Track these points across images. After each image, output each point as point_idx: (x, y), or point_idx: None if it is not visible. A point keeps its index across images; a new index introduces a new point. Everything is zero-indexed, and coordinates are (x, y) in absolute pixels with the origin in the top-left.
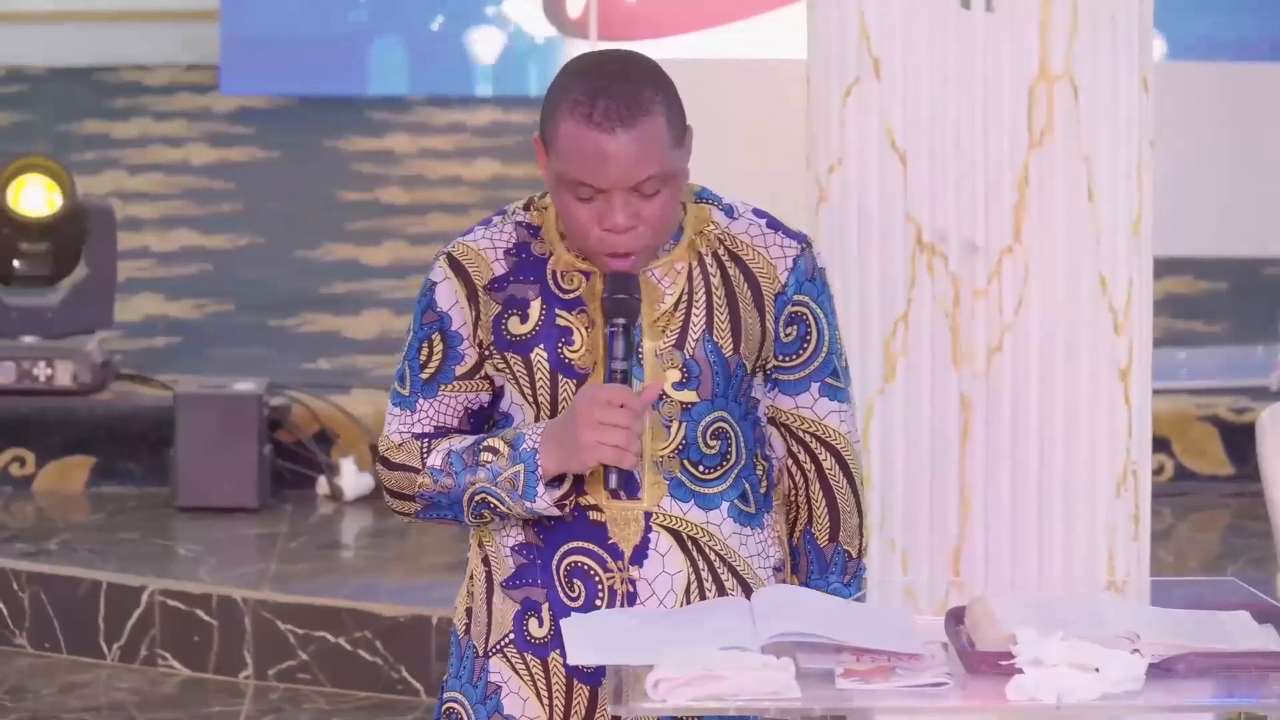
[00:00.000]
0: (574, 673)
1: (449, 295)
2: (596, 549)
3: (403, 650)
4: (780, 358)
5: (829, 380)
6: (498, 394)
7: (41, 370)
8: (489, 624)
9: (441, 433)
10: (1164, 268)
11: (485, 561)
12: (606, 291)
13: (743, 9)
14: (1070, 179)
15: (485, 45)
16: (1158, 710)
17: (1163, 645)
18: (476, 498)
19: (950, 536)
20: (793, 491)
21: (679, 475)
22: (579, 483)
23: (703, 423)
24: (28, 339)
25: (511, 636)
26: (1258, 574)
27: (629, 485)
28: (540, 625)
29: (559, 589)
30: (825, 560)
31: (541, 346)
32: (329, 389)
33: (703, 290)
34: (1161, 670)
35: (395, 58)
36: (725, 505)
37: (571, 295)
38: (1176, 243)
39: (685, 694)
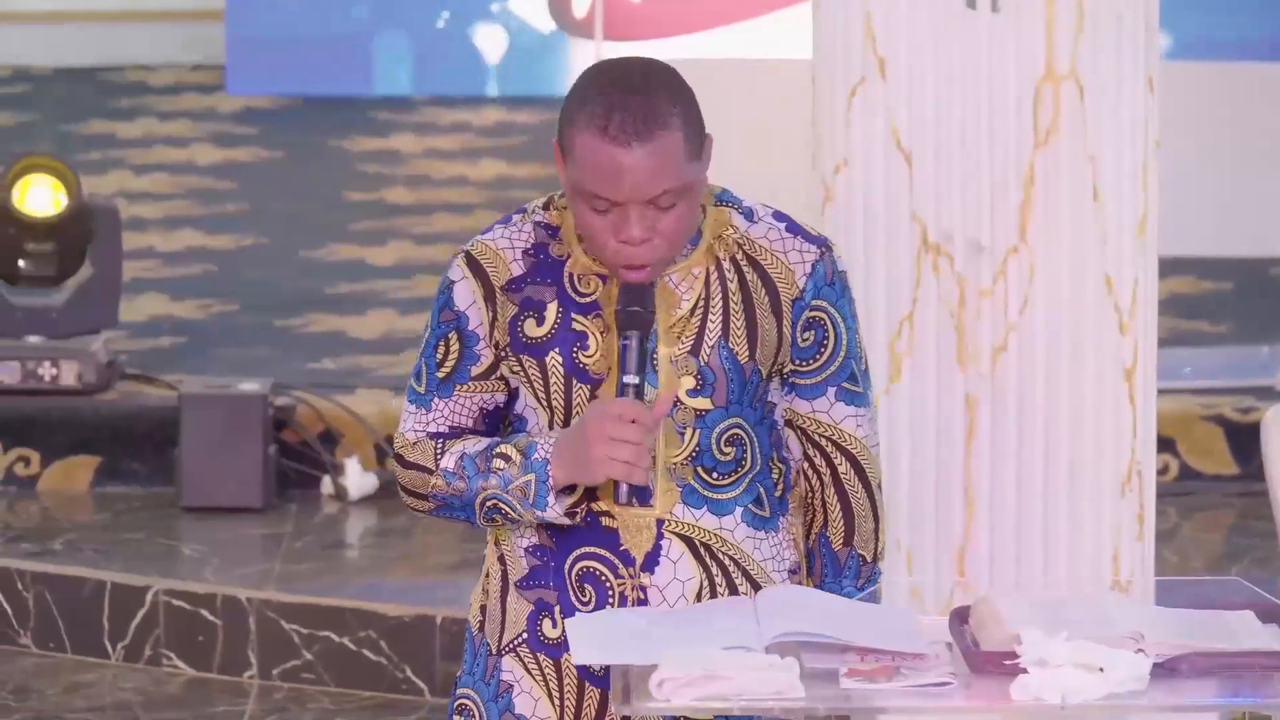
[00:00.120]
0: (585, 675)
1: (466, 295)
2: (608, 555)
3: (407, 650)
4: (797, 362)
5: (846, 385)
6: (513, 395)
7: (46, 370)
8: (503, 623)
9: (456, 433)
10: (1169, 268)
11: (501, 560)
12: (620, 303)
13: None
14: (1076, 179)
15: (490, 45)
16: (1162, 710)
17: (1167, 645)
18: (488, 503)
19: (955, 536)
20: (809, 494)
21: (692, 482)
22: (590, 492)
23: (717, 429)
24: (33, 339)
25: (525, 636)
26: (1262, 574)
27: (641, 493)
28: (554, 626)
29: (571, 593)
30: (839, 564)
31: (557, 350)
32: (334, 389)
33: (719, 296)
34: (1166, 670)
35: (400, 57)
36: (739, 510)
37: (588, 299)
38: (1181, 243)
39: (689, 694)
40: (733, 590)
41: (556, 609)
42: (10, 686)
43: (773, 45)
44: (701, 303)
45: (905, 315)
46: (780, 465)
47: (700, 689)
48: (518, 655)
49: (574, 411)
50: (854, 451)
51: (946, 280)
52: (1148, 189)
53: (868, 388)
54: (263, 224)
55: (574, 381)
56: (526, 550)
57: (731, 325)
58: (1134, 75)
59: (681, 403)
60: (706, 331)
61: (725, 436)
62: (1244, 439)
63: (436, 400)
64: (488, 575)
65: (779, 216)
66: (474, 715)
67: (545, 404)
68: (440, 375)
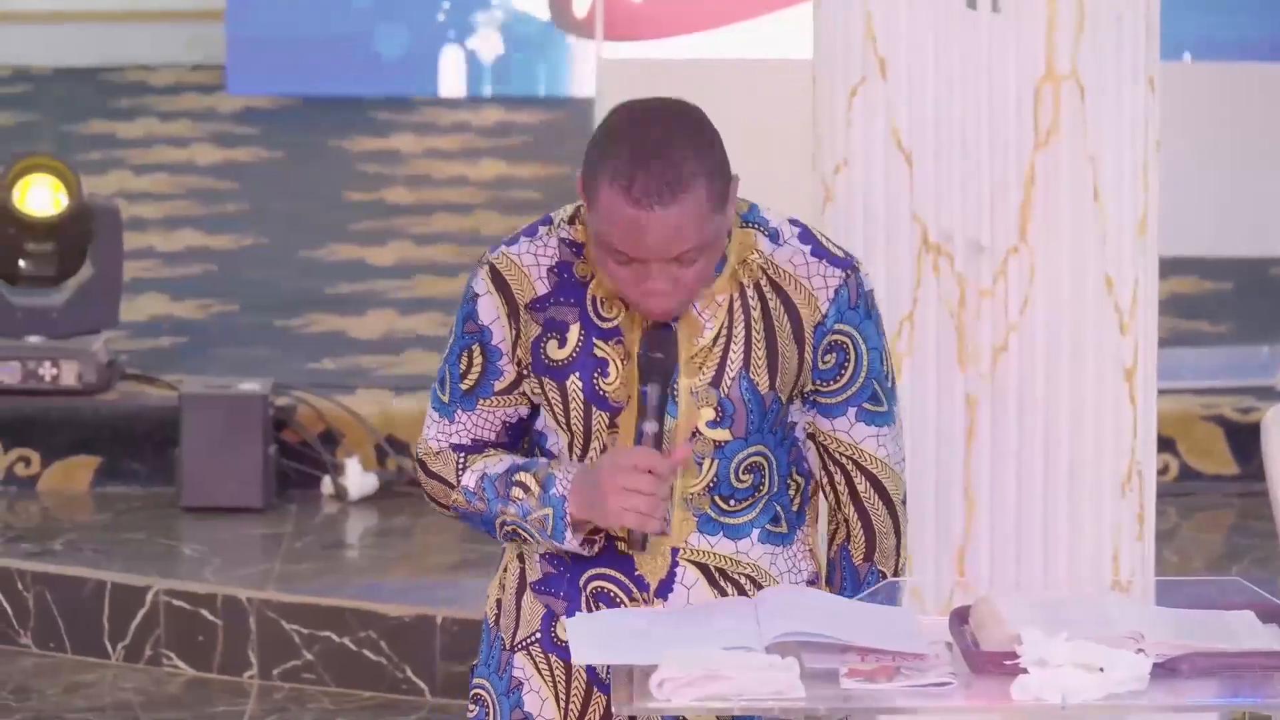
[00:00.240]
0: (595, 680)
1: (490, 310)
2: (622, 578)
3: (407, 650)
4: (818, 382)
5: (867, 405)
6: (535, 408)
7: (47, 370)
8: (517, 619)
9: (478, 446)
10: (1169, 268)
11: (520, 559)
12: (642, 347)
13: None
14: (1076, 179)
15: (491, 45)
16: (1162, 710)
17: (1167, 645)
18: (507, 527)
19: (955, 536)
20: (831, 508)
21: (708, 511)
22: None
23: (736, 459)
24: (33, 339)
25: (538, 636)
26: (1262, 574)
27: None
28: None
29: (583, 608)
30: (859, 579)
31: (577, 375)
32: (334, 389)
33: (742, 324)
34: (1166, 670)
35: (400, 57)
36: (756, 532)
37: (610, 324)
38: (1181, 243)
39: (689, 694)
40: None
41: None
42: (10, 686)
43: (773, 45)
44: (724, 332)
45: (905, 315)
46: (799, 479)
47: (701, 689)
48: (529, 654)
49: (593, 436)
50: (874, 471)
51: (947, 280)
52: (1148, 189)
53: (892, 405)
54: (263, 224)
55: (593, 408)
56: (545, 557)
57: (753, 354)
58: (1134, 75)
59: (700, 433)
60: (728, 362)
61: (744, 465)
62: (1244, 439)
63: (460, 413)
64: (505, 570)
65: (804, 238)
66: (488, 706)
67: (565, 426)
68: (464, 387)
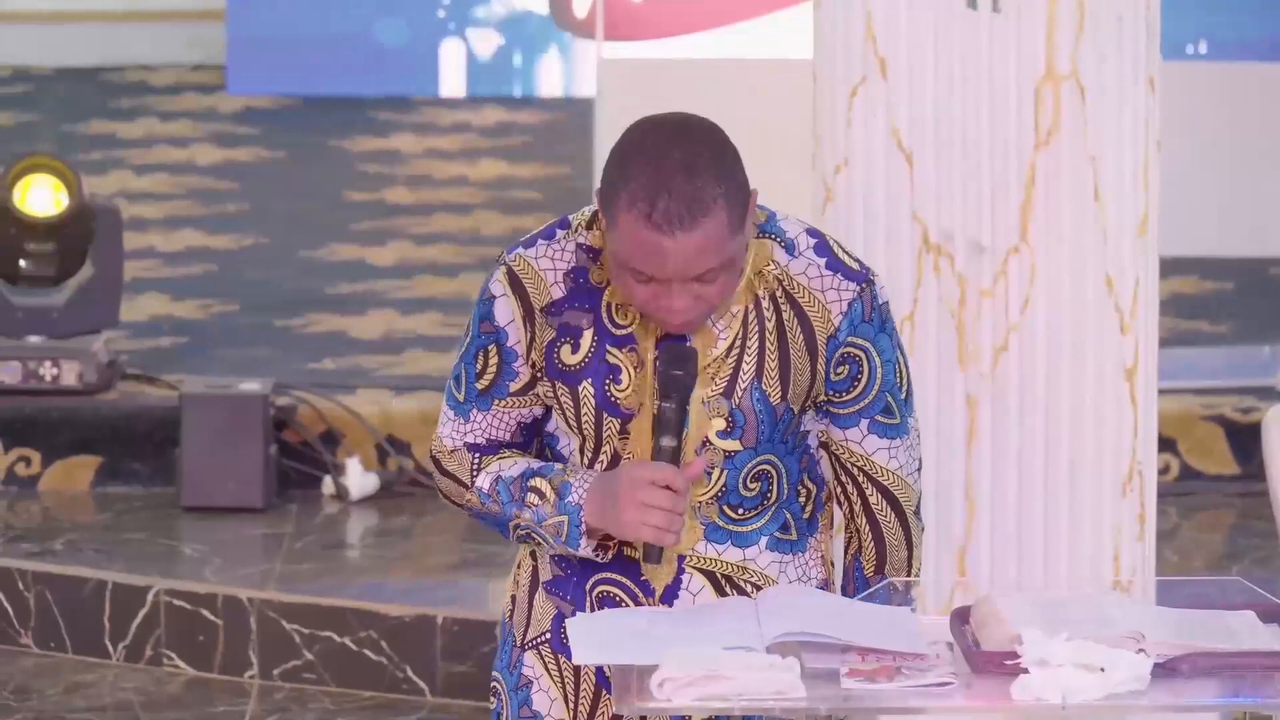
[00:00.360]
0: (604, 682)
1: (506, 312)
2: (628, 583)
3: (408, 650)
4: (830, 393)
5: (879, 417)
6: (549, 409)
7: (47, 370)
8: (528, 618)
9: (493, 446)
10: (1169, 268)
11: (533, 556)
12: (661, 364)
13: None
14: (1076, 179)
15: (491, 45)
16: (1163, 710)
17: (1168, 645)
18: (520, 530)
19: (956, 536)
20: (845, 517)
21: (715, 520)
22: None
23: (745, 469)
24: (34, 339)
25: (548, 635)
26: (1263, 573)
27: None
28: None
29: (589, 611)
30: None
31: (589, 381)
32: (334, 389)
33: (756, 336)
34: (1167, 670)
35: (401, 57)
36: (764, 540)
37: (624, 331)
38: (1182, 243)
39: (690, 694)
40: None
41: None
42: (11, 686)
43: (773, 45)
44: (738, 343)
45: (906, 315)
46: (811, 486)
47: (701, 689)
48: (539, 653)
49: (604, 442)
50: (885, 483)
51: (947, 280)
52: (1148, 189)
53: (907, 416)
54: (263, 224)
55: (604, 414)
56: (554, 558)
57: (766, 366)
58: (1135, 75)
59: (711, 443)
60: (740, 373)
61: (752, 474)
62: (1245, 439)
63: (475, 412)
64: (519, 567)
65: (820, 250)
66: (501, 699)
67: (576, 430)
68: (479, 387)
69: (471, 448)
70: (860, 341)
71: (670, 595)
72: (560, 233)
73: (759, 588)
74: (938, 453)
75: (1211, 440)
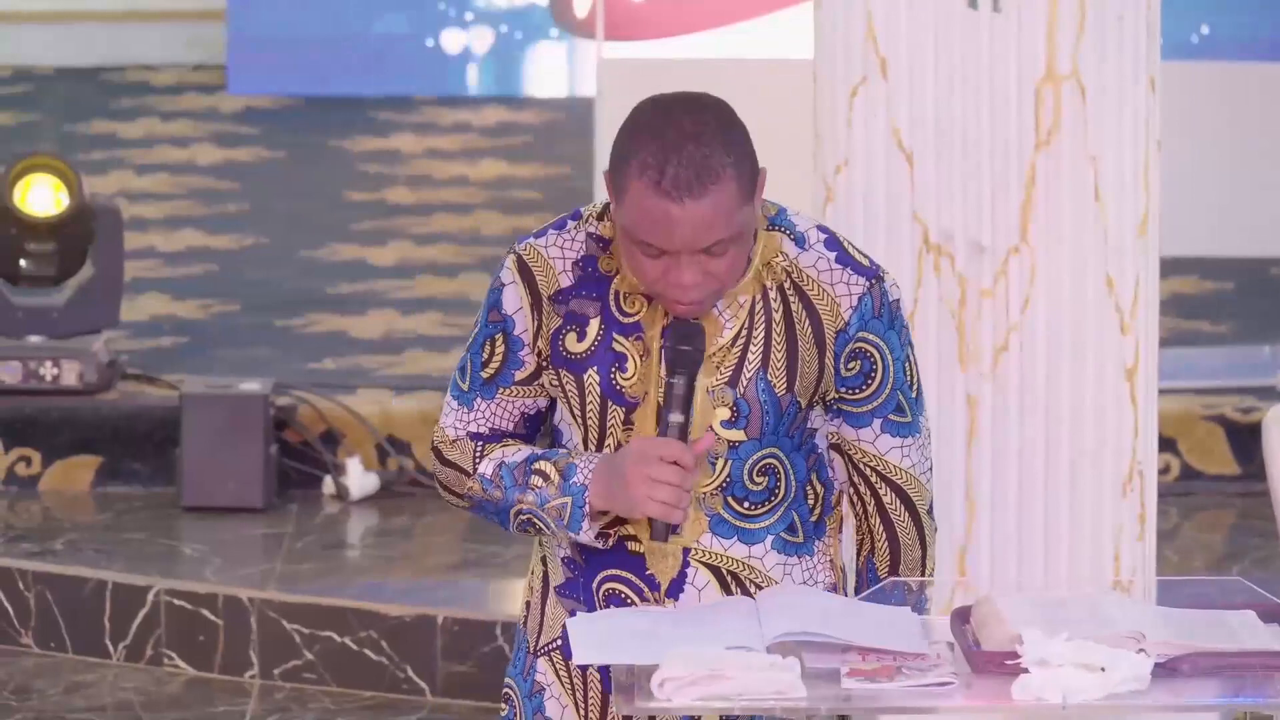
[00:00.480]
0: (610, 688)
1: (514, 300)
2: (633, 578)
3: (408, 650)
4: (842, 390)
5: (892, 416)
6: (554, 402)
7: (48, 370)
8: (541, 624)
9: (496, 435)
10: (1170, 268)
11: (543, 562)
12: (670, 340)
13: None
14: (1077, 179)
15: (492, 45)
16: (1163, 710)
17: (1168, 645)
18: (522, 516)
19: (956, 536)
20: (858, 518)
21: (720, 512)
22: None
23: (749, 460)
24: (34, 339)
25: (559, 642)
26: (1263, 573)
27: (676, 527)
28: None
29: (598, 610)
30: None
31: (595, 369)
32: (335, 389)
33: (763, 326)
34: (1167, 670)
35: (401, 57)
36: (770, 539)
37: (631, 319)
38: (1182, 243)
39: (691, 693)
40: None
41: None
42: (11, 686)
43: (773, 45)
44: (744, 332)
45: (907, 315)
46: (819, 488)
47: (702, 689)
48: (551, 659)
49: (607, 432)
50: (899, 482)
51: (947, 280)
52: (1149, 189)
53: (918, 414)
54: (264, 224)
55: (609, 403)
56: (564, 560)
57: (772, 357)
58: (1135, 75)
59: (715, 433)
60: (746, 363)
61: (758, 466)
62: (1245, 439)
63: (479, 400)
64: (533, 573)
65: (830, 244)
66: (515, 706)
67: (580, 421)
68: (485, 375)
69: (474, 436)
70: (871, 337)
71: (676, 590)
72: (571, 224)
73: (762, 589)
74: (938, 453)
75: (1212, 440)
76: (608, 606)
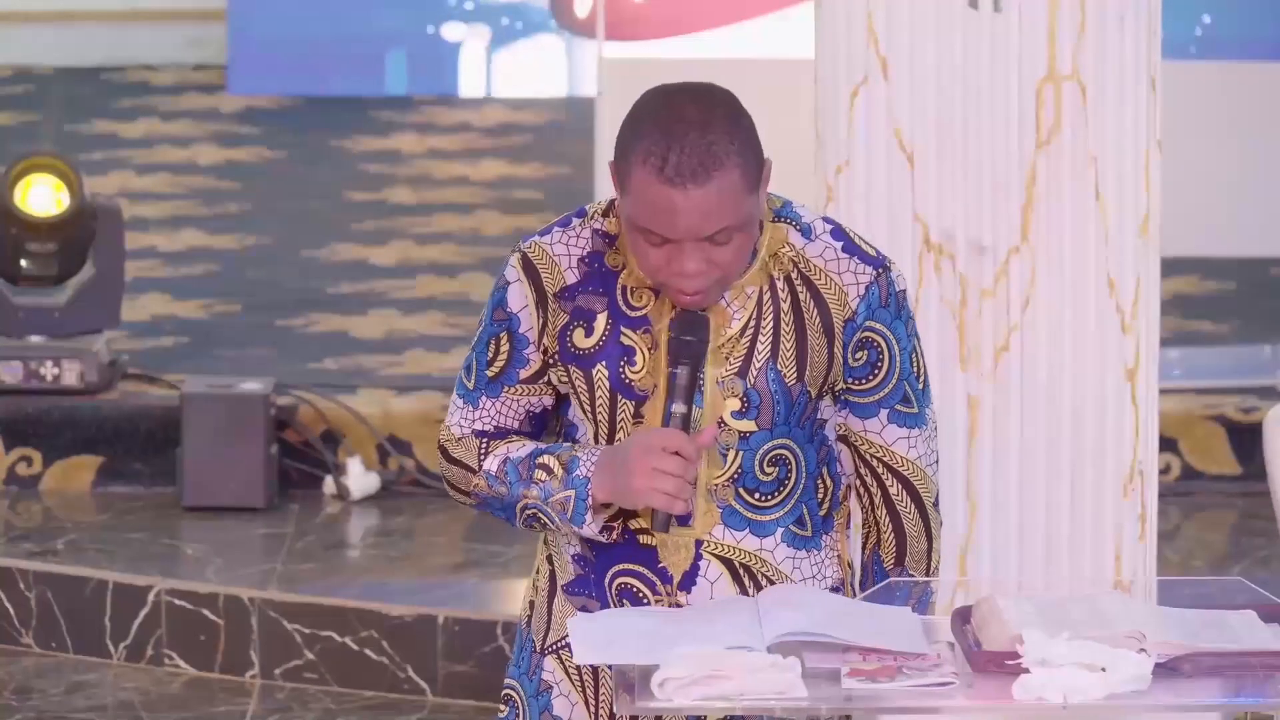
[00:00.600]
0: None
1: (519, 298)
2: (646, 572)
3: (409, 650)
4: (849, 380)
5: (899, 407)
6: (562, 400)
7: (48, 370)
8: (548, 623)
9: (502, 433)
10: (1171, 268)
11: (549, 561)
12: (674, 330)
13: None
14: (1078, 179)
15: (492, 45)
16: (1164, 710)
17: (1169, 645)
18: (528, 511)
19: (957, 536)
20: (864, 510)
21: (733, 504)
22: (625, 510)
23: (760, 451)
24: (35, 338)
25: (568, 640)
26: (1264, 573)
27: (681, 517)
28: None
29: (611, 605)
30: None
31: (603, 364)
32: (336, 389)
33: (771, 316)
34: (1168, 670)
35: (402, 57)
36: (780, 531)
37: (638, 313)
38: (1183, 243)
39: (691, 693)
40: None
41: None
42: (12, 686)
43: (773, 45)
44: (752, 323)
45: None
46: (828, 482)
47: (702, 689)
48: (559, 657)
49: (618, 426)
50: (905, 473)
51: (948, 280)
52: (1150, 189)
53: (925, 406)
54: (265, 224)
55: (619, 397)
56: (573, 557)
57: (781, 347)
58: (1136, 75)
59: (726, 424)
60: (755, 353)
61: (769, 457)
62: (1246, 439)
63: (484, 399)
64: (538, 572)
65: (837, 234)
66: (518, 707)
67: (590, 416)
68: (490, 374)
69: (479, 434)
70: (878, 327)
71: (688, 582)
72: (576, 221)
73: (774, 582)
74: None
75: (1213, 440)
76: (620, 601)
